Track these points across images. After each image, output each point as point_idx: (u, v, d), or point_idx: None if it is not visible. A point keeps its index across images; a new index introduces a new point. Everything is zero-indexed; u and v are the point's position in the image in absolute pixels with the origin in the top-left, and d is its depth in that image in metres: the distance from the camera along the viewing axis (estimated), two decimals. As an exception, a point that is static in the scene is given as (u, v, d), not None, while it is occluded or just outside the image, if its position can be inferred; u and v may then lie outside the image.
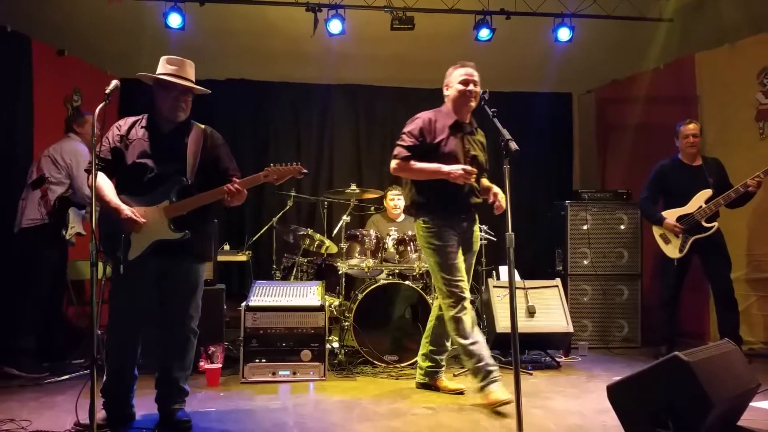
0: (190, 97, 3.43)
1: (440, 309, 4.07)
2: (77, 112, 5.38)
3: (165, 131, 3.39)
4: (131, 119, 3.45)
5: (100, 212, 3.40)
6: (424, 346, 4.31)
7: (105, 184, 3.29)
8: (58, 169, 4.82)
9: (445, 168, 3.85)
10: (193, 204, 3.32)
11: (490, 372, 3.81)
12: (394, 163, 4.02)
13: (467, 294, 3.95)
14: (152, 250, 3.28)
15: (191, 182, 3.34)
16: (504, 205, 3.79)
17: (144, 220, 3.21)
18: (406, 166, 3.98)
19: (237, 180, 3.36)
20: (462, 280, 3.96)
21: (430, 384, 4.28)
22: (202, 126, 3.51)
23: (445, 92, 4.15)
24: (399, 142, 4.03)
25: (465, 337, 3.86)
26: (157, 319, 3.44)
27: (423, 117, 4.08)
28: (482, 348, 3.87)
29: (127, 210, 3.19)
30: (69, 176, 4.83)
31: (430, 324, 4.30)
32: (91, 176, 3.08)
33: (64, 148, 4.89)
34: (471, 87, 4.00)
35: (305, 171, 3.44)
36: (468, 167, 3.85)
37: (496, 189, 4.04)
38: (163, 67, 3.38)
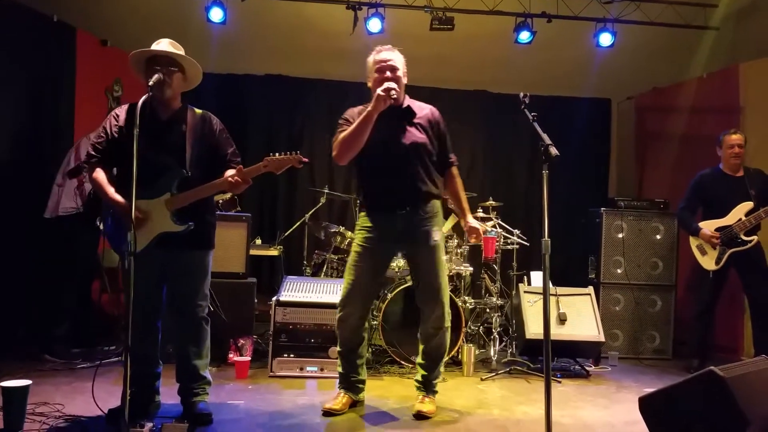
0: (175, 73, 3.35)
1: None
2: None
3: (163, 119, 3.36)
4: (127, 107, 3.41)
5: (104, 207, 3.42)
6: None
7: (103, 179, 3.32)
8: None
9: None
10: (195, 196, 3.30)
11: None
12: None
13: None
14: (157, 243, 3.28)
15: (191, 173, 3.32)
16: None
17: (143, 217, 3.20)
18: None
19: (239, 170, 3.30)
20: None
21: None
22: (200, 111, 3.47)
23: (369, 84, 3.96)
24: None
25: None
26: (170, 309, 3.47)
27: None
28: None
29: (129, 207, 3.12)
30: None
31: None
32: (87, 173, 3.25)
33: None
34: (388, 74, 3.86)
35: (305, 160, 3.36)
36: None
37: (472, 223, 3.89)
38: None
